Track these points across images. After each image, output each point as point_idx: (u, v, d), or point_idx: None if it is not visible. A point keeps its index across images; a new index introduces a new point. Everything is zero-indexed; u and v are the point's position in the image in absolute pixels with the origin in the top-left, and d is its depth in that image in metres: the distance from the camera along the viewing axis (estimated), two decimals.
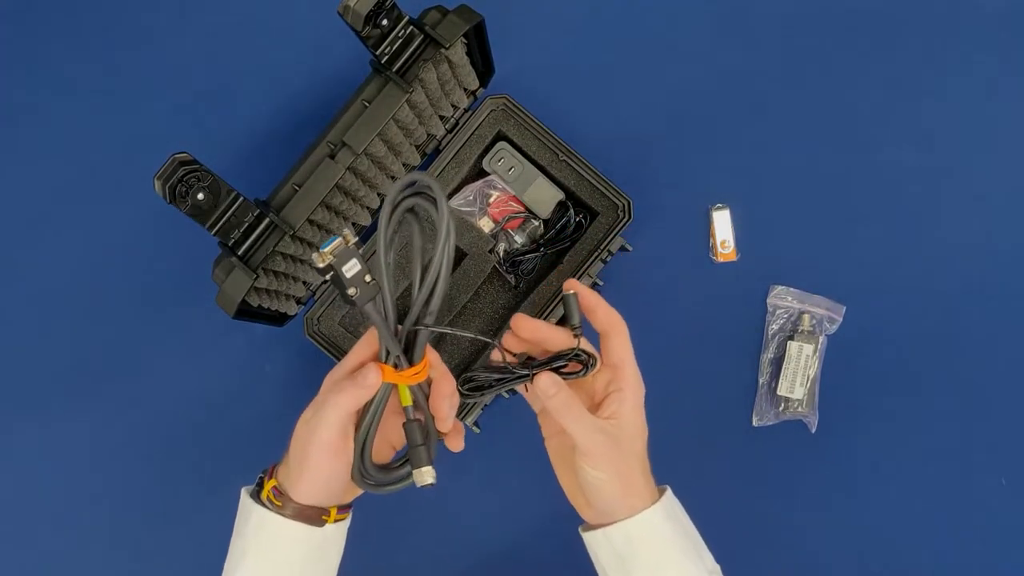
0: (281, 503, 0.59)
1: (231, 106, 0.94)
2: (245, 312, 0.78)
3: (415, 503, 0.91)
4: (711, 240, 0.91)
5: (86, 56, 0.95)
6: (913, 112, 0.92)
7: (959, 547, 0.89)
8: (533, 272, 0.90)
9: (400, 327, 0.59)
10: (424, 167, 0.88)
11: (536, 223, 0.90)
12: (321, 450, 0.58)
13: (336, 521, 0.62)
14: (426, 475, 0.60)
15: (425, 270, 0.59)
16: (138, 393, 0.92)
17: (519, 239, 0.90)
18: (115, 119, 0.95)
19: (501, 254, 0.89)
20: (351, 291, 0.56)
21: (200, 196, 0.69)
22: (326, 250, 0.55)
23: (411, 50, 0.73)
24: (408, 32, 0.72)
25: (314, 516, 0.60)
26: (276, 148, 0.91)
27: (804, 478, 0.90)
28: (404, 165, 0.87)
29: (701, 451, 0.88)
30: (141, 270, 0.93)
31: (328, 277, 0.56)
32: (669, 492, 0.63)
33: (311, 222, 0.77)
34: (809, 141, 0.92)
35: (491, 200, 0.89)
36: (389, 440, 0.64)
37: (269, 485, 0.60)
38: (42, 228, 0.94)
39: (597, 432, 0.60)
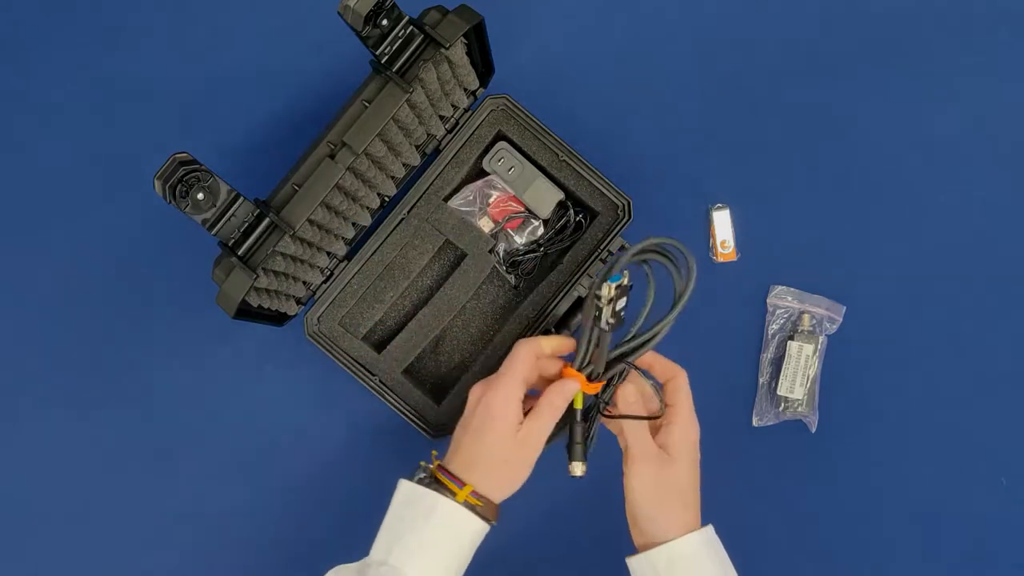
0: (483, 503, 0.67)
1: (231, 106, 0.94)
2: (245, 312, 0.78)
3: None
4: (711, 240, 0.92)
5: (86, 55, 0.95)
6: (913, 112, 0.92)
7: (959, 547, 0.89)
8: (533, 272, 0.90)
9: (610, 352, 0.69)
10: (424, 167, 0.88)
11: (536, 223, 0.90)
12: (534, 459, 0.68)
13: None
14: (578, 468, 0.71)
15: (653, 332, 0.69)
16: (138, 393, 0.92)
17: (519, 239, 0.90)
18: (115, 119, 0.95)
19: (501, 254, 0.90)
20: (612, 320, 0.66)
21: (200, 196, 0.69)
22: (614, 283, 0.65)
23: (411, 50, 0.73)
24: (408, 32, 0.72)
25: (496, 512, 0.69)
26: (276, 148, 0.92)
27: (804, 478, 0.90)
28: (404, 165, 0.87)
29: (701, 451, 0.88)
30: (141, 270, 0.93)
31: (598, 302, 0.66)
32: (711, 528, 0.69)
33: (311, 222, 0.77)
34: (809, 141, 0.92)
35: (491, 200, 0.89)
36: None
37: (468, 490, 0.67)
38: (42, 228, 0.94)
39: (649, 455, 0.68)
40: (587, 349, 0.68)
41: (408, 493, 0.69)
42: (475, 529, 0.68)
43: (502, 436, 0.67)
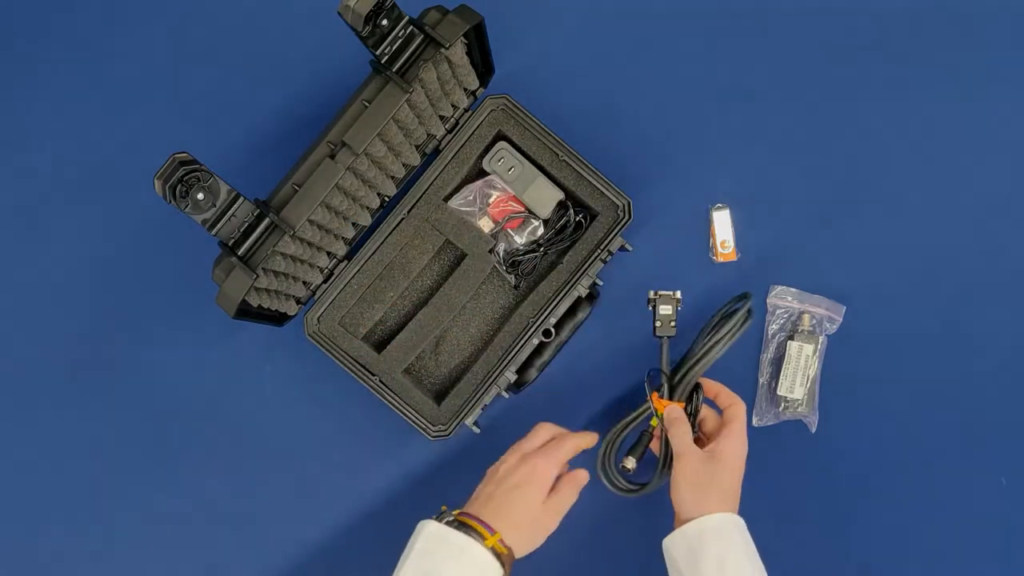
0: (507, 551, 0.72)
1: (231, 106, 0.94)
2: (245, 312, 0.78)
3: (415, 504, 0.91)
4: (711, 240, 0.91)
5: (86, 55, 0.95)
6: (913, 112, 0.92)
7: (959, 547, 0.89)
8: (533, 272, 0.90)
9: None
10: (424, 167, 0.88)
11: (536, 223, 0.90)
12: (555, 527, 0.76)
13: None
14: (630, 462, 0.83)
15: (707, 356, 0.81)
16: (138, 393, 0.92)
17: (519, 239, 0.90)
18: (115, 118, 0.95)
19: (501, 254, 0.90)
20: (659, 324, 0.83)
21: (200, 196, 0.69)
22: (665, 293, 0.83)
23: (411, 50, 0.73)
24: (408, 32, 0.72)
25: (510, 568, 0.74)
26: (276, 148, 0.91)
27: (804, 478, 0.90)
28: (404, 165, 0.87)
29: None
30: (141, 270, 0.93)
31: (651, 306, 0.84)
32: (743, 521, 0.76)
33: (311, 222, 0.77)
34: (809, 141, 0.92)
35: (491, 200, 0.89)
36: None
37: (496, 537, 0.72)
38: (42, 227, 0.94)
39: (691, 448, 0.77)
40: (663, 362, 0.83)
41: (437, 533, 0.73)
42: (497, 572, 0.72)
43: (537, 498, 0.74)
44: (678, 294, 0.84)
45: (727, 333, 0.80)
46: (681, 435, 0.79)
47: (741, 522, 0.75)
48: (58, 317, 0.93)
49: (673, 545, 0.75)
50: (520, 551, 0.74)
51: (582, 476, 0.78)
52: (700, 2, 0.94)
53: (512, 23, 0.92)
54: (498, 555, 0.71)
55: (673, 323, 0.84)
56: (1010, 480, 0.89)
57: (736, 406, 0.81)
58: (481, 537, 0.71)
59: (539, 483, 0.75)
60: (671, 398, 0.82)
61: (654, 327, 0.83)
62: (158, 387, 0.92)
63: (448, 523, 0.73)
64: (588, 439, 0.80)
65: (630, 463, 0.83)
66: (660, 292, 0.83)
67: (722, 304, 0.83)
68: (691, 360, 0.81)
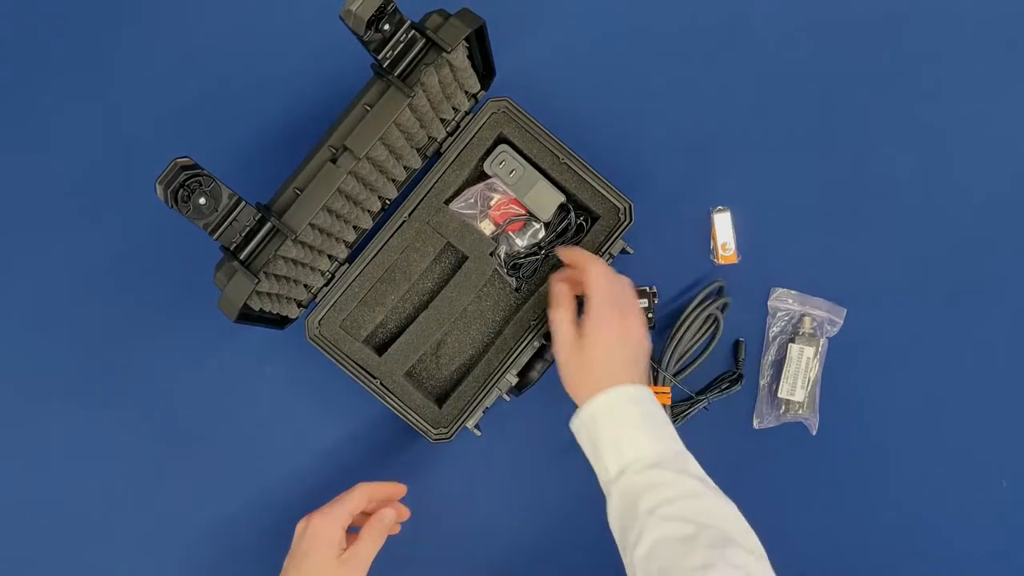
0: None
1: (233, 110, 0.93)
2: (247, 316, 0.78)
3: (415, 506, 0.91)
4: (712, 242, 0.92)
5: (88, 59, 0.95)
6: (913, 115, 0.92)
7: (960, 549, 0.89)
8: (534, 275, 0.90)
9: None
10: (425, 170, 0.88)
11: (537, 226, 0.90)
12: (364, 570, 0.76)
13: None
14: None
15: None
16: (139, 396, 0.92)
17: (520, 242, 0.90)
18: (117, 123, 0.94)
19: (502, 256, 0.89)
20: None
21: (201, 200, 0.69)
22: (640, 288, 0.87)
23: (413, 54, 0.73)
24: (410, 36, 0.72)
25: None
26: (278, 152, 0.91)
27: (805, 480, 0.90)
28: (405, 168, 0.87)
29: (702, 453, 0.88)
30: (142, 274, 0.93)
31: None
32: (643, 387, 0.75)
33: (313, 226, 0.77)
34: (810, 143, 0.92)
35: (492, 203, 0.89)
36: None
37: None
38: (43, 231, 0.94)
39: (564, 341, 0.77)
40: None
41: None
42: None
43: (326, 558, 0.73)
44: (653, 288, 0.89)
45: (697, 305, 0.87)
46: (556, 322, 0.78)
47: (633, 391, 0.74)
48: (59, 321, 0.93)
49: (575, 431, 0.76)
50: None
51: (386, 516, 0.77)
52: (701, 5, 0.94)
53: (513, 26, 0.91)
54: None
55: (650, 315, 0.89)
56: (1011, 482, 0.89)
57: (588, 267, 0.78)
58: None
59: (324, 544, 0.74)
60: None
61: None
62: (159, 390, 0.92)
63: None
64: (386, 488, 0.79)
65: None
66: (636, 287, 0.86)
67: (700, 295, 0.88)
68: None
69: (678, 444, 0.73)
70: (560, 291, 0.80)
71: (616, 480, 0.71)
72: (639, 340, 0.78)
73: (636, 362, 0.77)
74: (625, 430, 0.72)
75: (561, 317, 0.78)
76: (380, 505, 0.78)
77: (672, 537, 0.66)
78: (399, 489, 0.80)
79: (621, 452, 0.71)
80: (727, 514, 0.69)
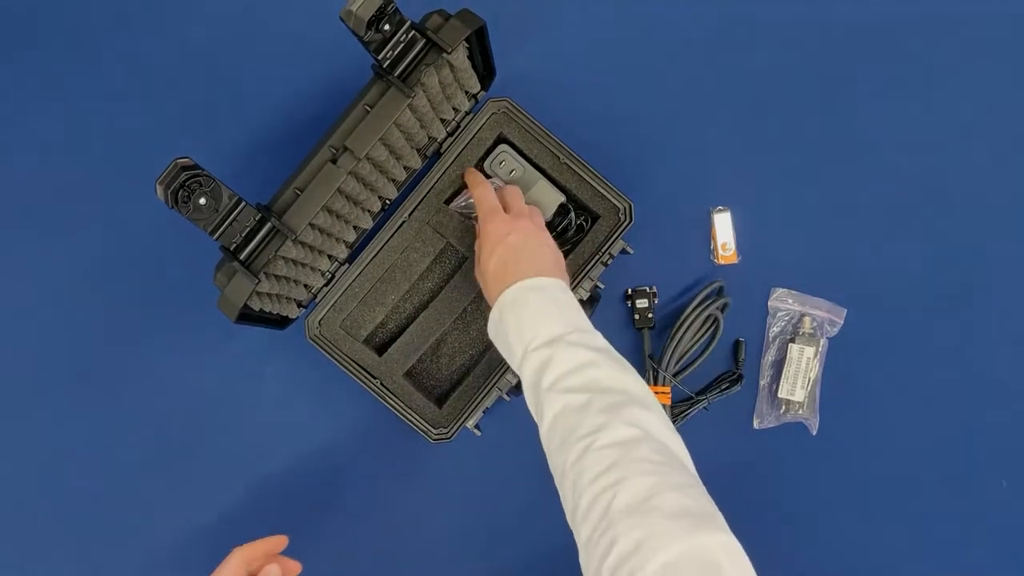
0: None
1: (233, 111, 0.93)
2: (247, 316, 0.78)
3: (415, 505, 0.91)
4: (712, 242, 0.92)
5: (88, 58, 0.95)
6: (914, 115, 0.92)
7: (960, 549, 0.89)
8: None
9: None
10: (425, 170, 0.88)
11: None
12: None
13: None
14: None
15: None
16: (139, 396, 0.92)
17: None
18: (117, 123, 0.94)
19: None
20: (637, 317, 0.90)
21: (202, 201, 0.69)
22: (640, 288, 0.90)
23: (413, 55, 0.73)
24: (410, 37, 0.72)
25: None
26: (278, 153, 0.91)
27: (805, 480, 0.90)
28: (405, 168, 0.87)
29: (702, 453, 0.88)
30: (143, 274, 0.93)
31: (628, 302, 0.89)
32: (554, 279, 0.75)
33: (313, 226, 0.77)
34: (810, 143, 0.92)
35: None
36: None
37: None
38: (44, 231, 0.94)
39: (472, 265, 0.83)
40: None
41: None
42: None
43: None
44: (653, 288, 0.90)
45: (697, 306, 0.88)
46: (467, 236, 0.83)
47: (532, 282, 0.74)
48: (59, 321, 0.93)
49: (492, 337, 0.77)
50: None
51: (270, 574, 0.76)
52: (701, 6, 0.94)
53: (513, 26, 0.91)
54: None
55: (651, 315, 0.90)
56: (1011, 483, 0.89)
57: (470, 184, 0.84)
58: None
59: None
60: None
61: (633, 320, 0.89)
62: (159, 390, 0.92)
63: None
64: (264, 546, 0.77)
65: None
66: (636, 288, 0.90)
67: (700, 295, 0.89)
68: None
69: (583, 322, 0.73)
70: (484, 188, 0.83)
71: (521, 363, 0.71)
72: (535, 235, 0.78)
73: (543, 257, 0.77)
74: (527, 315, 0.72)
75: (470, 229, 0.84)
76: (264, 563, 0.76)
77: (568, 408, 0.66)
78: (278, 542, 0.78)
79: (522, 335, 0.71)
80: (624, 379, 0.68)
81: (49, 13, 0.96)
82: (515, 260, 0.76)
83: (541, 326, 0.71)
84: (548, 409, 0.67)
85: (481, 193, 0.82)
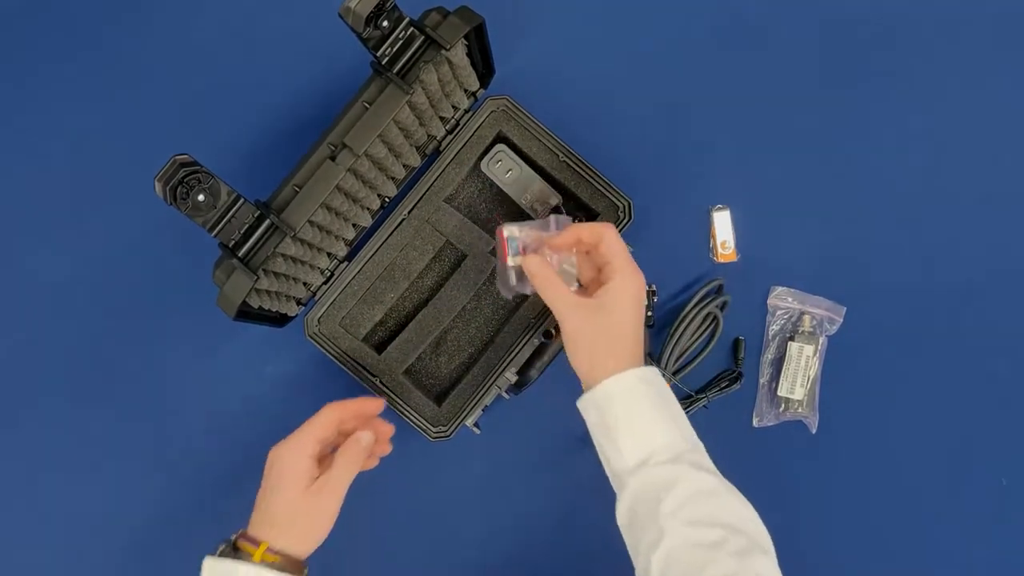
0: (280, 559, 0.68)
1: (231, 107, 0.94)
2: (246, 314, 0.78)
3: (415, 505, 0.91)
4: (711, 241, 0.92)
5: (87, 57, 0.95)
6: (914, 113, 0.92)
7: (959, 547, 0.89)
8: None
9: None
10: (424, 168, 0.88)
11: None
12: (333, 510, 0.70)
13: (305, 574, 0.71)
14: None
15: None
16: (138, 395, 0.92)
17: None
18: (115, 120, 0.95)
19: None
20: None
21: (200, 197, 0.69)
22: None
23: (412, 52, 0.73)
24: (409, 34, 0.72)
25: (299, 568, 0.70)
26: (277, 149, 0.91)
27: (804, 479, 0.90)
28: (404, 166, 0.87)
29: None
30: (141, 271, 0.93)
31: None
32: (653, 367, 0.71)
33: (312, 223, 0.77)
34: (809, 142, 0.92)
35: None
36: None
37: (263, 547, 0.67)
38: (42, 229, 0.94)
39: (571, 306, 0.69)
40: None
41: (209, 569, 0.68)
42: None
43: (294, 490, 0.69)
44: (653, 287, 0.89)
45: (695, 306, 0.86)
46: (552, 289, 0.70)
47: (647, 373, 0.69)
48: (58, 318, 0.93)
49: (584, 410, 0.71)
50: (299, 550, 0.69)
51: (361, 439, 0.71)
52: (701, 4, 0.94)
53: (512, 24, 0.92)
54: (272, 564, 0.67)
55: (650, 313, 0.89)
56: (1010, 480, 0.89)
57: (606, 236, 0.71)
58: (249, 555, 0.67)
59: (288, 475, 0.69)
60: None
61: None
62: (158, 388, 0.92)
63: (222, 552, 0.69)
64: (358, 405, 0.73)
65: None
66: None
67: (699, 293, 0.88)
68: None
69: (692, 431, 0.69)
70: (541, 266, 0.72)
71: (634, 472, 0.66)
72: (643, 309, 0.72)
73: (642, 335, 0.71)
74: (643, 415, 0.68)
75: (561, 287, 0.71)
76: (358, 426, 0.73)
77: (695, 543, 0.63)
78: (374, 404, 0.74)
79: (638, 441, 0.67)
80: (748, 517, 0.67)
81: (49, 12, 0.96)
82: (636, 333, 0.70)
83: (659, 434, 0.67)
84: (669, 538, 0.64)
85: (615, 235, 0.71)
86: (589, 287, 0.74)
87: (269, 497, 0.70)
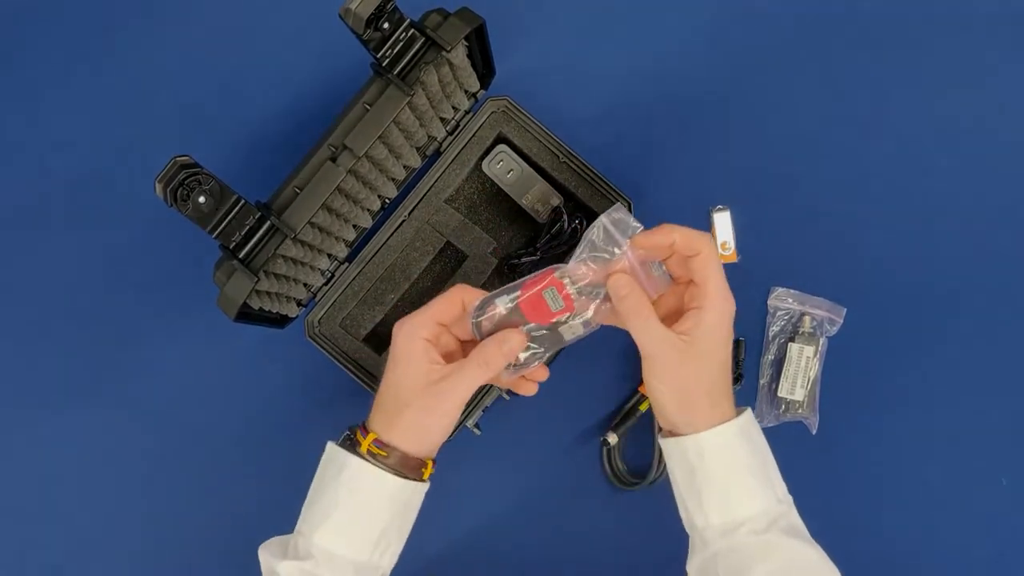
0: (387, 453, 0.61)
1: (232, 109, 0.94)
2: (246, 315, 0.78)
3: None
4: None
5: (87, 57, 0.95)
6: (915, 114, 0.92)
7: (959, 548, 0.89)
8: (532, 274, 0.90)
9: None
10: (425, 169, 0.88)
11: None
12: (449, 410, 0.61)
13: (430, 474, 0.65)
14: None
15: None
16: (138, 396, 0.92)
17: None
18: (116, 121, 0.94)
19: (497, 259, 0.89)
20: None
21: (201, 199, 0.69)
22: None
23: (412, 53, 0.73)
24: (409, 35, 0.72)
25: (416, 467, 0.63)
26: (277, 151, 0.91)
27: (804, 480, 0.90)
28: (405, 167, 0.87)
29: None
30: (142, 273, 0.93)
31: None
32: (749, 413, 0.64)
33: (312, 225, 0.77)
34: (809, 143, 0.92)
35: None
36: None
37: (371, 438, 0.61)
38: (43, 230, 0.94)
39: (662, 341, 0.59)
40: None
41: (327, 456, 0.64)
42: (389, 487, 0.62)
43: (405, 376, 0.61)
44: None
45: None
46: (642, 319, 0.59)
47: (746, 424, 0.62)
48: (58, 320, 0.93)
49: (670, 452, 0.63)
50: (409, 445, 0.61)
51: (509, 339, 0.60)
52: (700, 4, 0.94)
53: (513, 25, 0.92)
54: (378, 458, 0.61)
55: None
56: (1010, 480, 0.89)
57: (703, 251, 0.60)
58: (359, 444, 0.62)
59: (402, 359, 0.61)
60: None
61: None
62: (158, 389, 0.92)
63: (343, 441, 0.64)
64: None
65: (612, 438, 0.76)
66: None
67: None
68: None
69: (783, 486, 0.65)
70: (633, 287, 0.60)
71: (721, 534, 0.62)
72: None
73: (731, 377, 0.64)
74: (739, 480, 0.62)
75: (653, 318, 0.60)
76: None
77: None
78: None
79: (732, 507, 0.62)
80: None
81: (48, 12, 0.96)
82: (729, 371, 0.62)
83: (754, 500, 0.62)
84: None
85: (715, 250, 0.61)
86: (663, 305, 0.63)
87: (383, 381, 0.63)
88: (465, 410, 0.86)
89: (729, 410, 0.63)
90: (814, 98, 0.93)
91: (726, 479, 0.62)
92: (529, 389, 0.66)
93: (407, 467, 0.63)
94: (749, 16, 0.93)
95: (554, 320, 0.62)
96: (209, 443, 0.92)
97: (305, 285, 0.86)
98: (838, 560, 0.89)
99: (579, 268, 0.62)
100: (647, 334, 0.60)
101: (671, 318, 0.62)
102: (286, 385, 0.92)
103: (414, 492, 0.65)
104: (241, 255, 0.72)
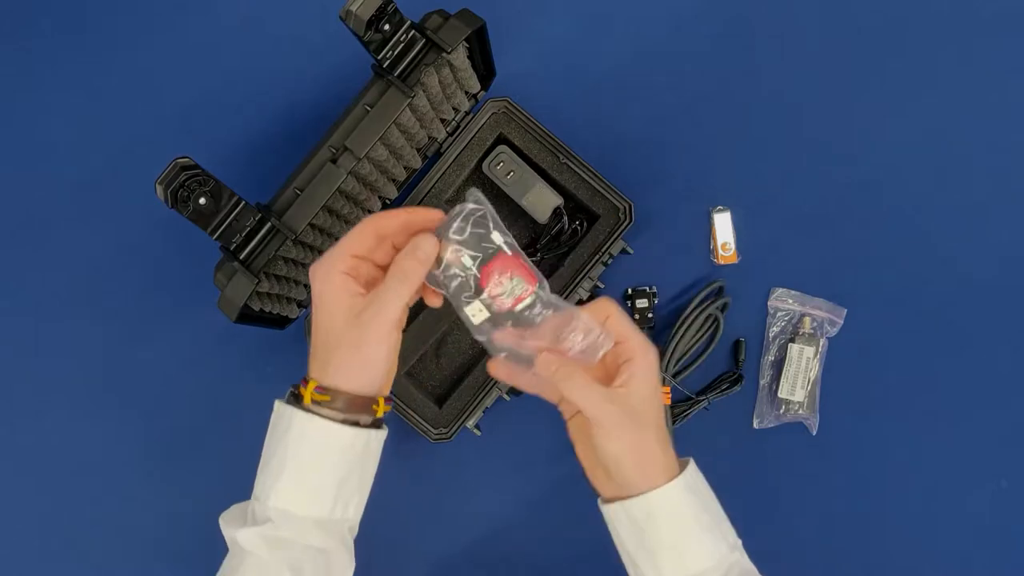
0: (331, 397, 0.58)
1: (233, 110, 0.93)
2: (247, 316, 0.78)
3: (414, 505, 0.91)
4: (712, 242, 0.92)
5: (87, 59, 0.95)
6: (915, 114, 0.92)
7: (959, 549, 0.89)
8: None
9: None
10: (425, 170, 0.88)
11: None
12: (383, 338, 0.57)
13: (384, 412, 0.61)
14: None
15: None
16: (139, 396, 0.92)
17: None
18: (116, 123, 0.94)
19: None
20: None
21: (202, 201, 0.69)
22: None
23: (413, 54, 0.73)
24: (410, 37, 0.72)
25: (365, 406, 0.59)
26: (278, 152, 0.91)
27: (805, 480, 0.90)
28: (405, 168, 0.87)
29: (701, 453, 0.88)
30: (142, 274, 0.93)
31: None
32: (692, 464, 0.63)
33: (313, 226, 0.77)
34: (810, 144, 0.92)
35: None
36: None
37: (312, 386, 0.58)
38: (43, 231, 0.94)
39: (607, 402, 0.59)
40: None
41: (275, 414, 0.61)
42: (340, 438, 0.58)
43: (327, 313, 0.58)
44: (653, 288, 0.90)
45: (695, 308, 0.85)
46: (579, 386, 0.58)
47: (691, 479, 0.62)
48: (59, 321, 0.93)
49: (616, 518, 0.62)
50: (350, 384, 0.58)
51: (420, 246, 0.56)
52: (702, 5, 0.94)
53: (513, 27, 0.91)
54: (325, 406, 0.58)
55: (650, 315, 0.90)
56: (1010, 483, 0.89)
57: (610, 311, 0.60)
58: (301, 397, 0.59)
59: (324, 299, 0.57)
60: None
61: (632, 320, 0.79)
62: (159, 390, 0.92)
63: (288, 398, 0.61)
64: (404, 215, 0.58)
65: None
66: (635, 288, 0.89)
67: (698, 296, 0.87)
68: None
69: (730, 527, 0.64)
70: (559, 360, 0.59)
71: None
72: None
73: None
74: (691, 537, 0.61)
75: (590, 385, 0.59)
76: (407, 240, 0.58)
77: None
78: (425, 214, 0.58)
79: (687, 563, 0.60)
80: None
81: (48, 12, 0.96)
82: (663, 417, 0.62)
83: (706, 554, 0.61)
84: None
85: (619, 308, 0.62)
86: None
87: (312, 325, 0.59)
88: (466, 412, 0.86)
89: (674, 455, 0.62)
90: (814, 99, 0.93)
91: (678, 537, 0.61)
92: (434, 301, 0.62)
93: (356, 408, 0.59)
94: (749, 19, 0.93)
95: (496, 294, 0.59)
96: (209, 443, 0.92)
97: (306, 286, 0.86)
98: (838, 560, 0.90)
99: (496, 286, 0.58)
100: (591, 400, 0.58)
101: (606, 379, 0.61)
102: (286, 386, 0.92)
103: (369, 439, 0.61)
104: (242, 257, 0.72)
